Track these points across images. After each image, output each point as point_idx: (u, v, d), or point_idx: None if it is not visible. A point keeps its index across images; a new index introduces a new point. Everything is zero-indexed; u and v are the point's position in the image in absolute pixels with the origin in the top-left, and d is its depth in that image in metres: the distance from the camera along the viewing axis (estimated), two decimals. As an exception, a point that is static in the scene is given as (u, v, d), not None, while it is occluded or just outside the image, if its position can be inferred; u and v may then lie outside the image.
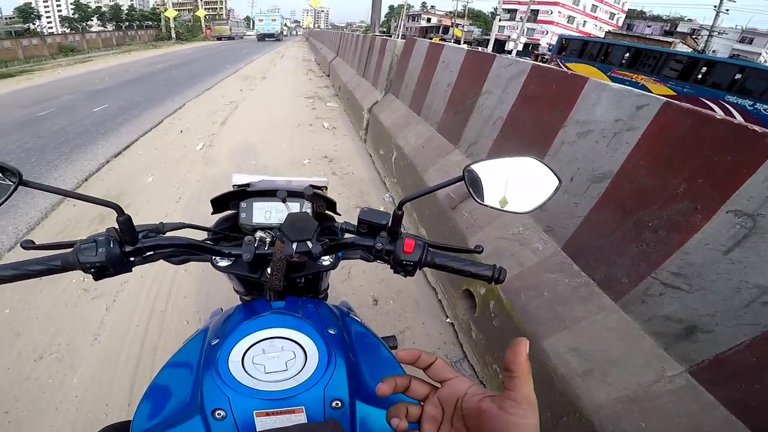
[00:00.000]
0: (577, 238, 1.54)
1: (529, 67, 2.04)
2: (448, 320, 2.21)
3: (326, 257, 0.82)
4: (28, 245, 0.59)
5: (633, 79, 14.31)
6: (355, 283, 2.50)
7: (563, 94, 1.74)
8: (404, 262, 0.69)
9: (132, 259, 0.63)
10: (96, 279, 0.62)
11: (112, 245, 0.59)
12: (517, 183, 0.61)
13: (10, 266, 0.56)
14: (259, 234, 0.77)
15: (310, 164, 4.40)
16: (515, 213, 0.62)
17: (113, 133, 5.73)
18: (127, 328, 2.14)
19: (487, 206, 0.62)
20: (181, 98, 8.06)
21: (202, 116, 6.58)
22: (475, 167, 0.62)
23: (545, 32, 21.88)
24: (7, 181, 0.48)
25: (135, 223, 0.63)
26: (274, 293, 0.79)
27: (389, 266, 0.74)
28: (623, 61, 15.27)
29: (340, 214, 0.91)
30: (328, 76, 10.23)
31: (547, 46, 21.33)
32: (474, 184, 0.62)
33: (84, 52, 21.98)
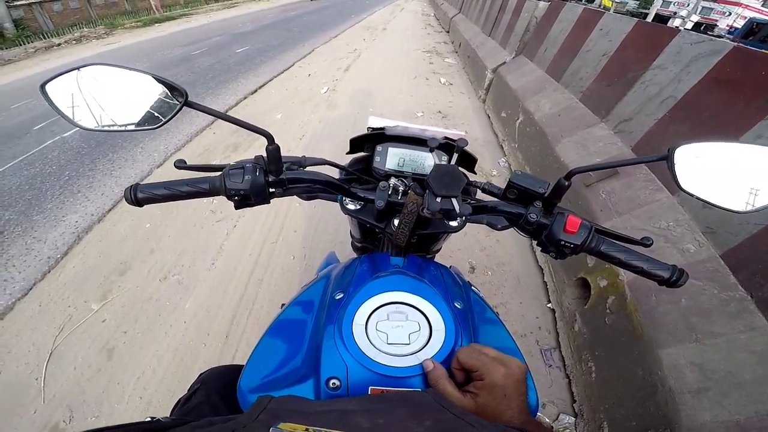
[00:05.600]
0: (747, 247, 1.33)
1: (728, 47, 1.76)
2: (549, 305, 2.03)
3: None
4: (181, 165, 0.61)
5: None
6: (453, 245, 2.37)
7: (778, 83, 1.49)
8: (562, 243, 0.60)
9: (272, 190, 0.62)
10: (237, 207, 0.61)
11: (258, 173, 0.59)
12: (739, 175, 0.51)
13: (163, 185, 0.58)
14: (393, 181, 0.72)
15: (423, 117, 4.31)
16: (726, 209, 0.52)
17: (251, 72, 6.31)
18: (240, 255, 2.33)
19: (689, 194, 0.52)
20: (311, 44, 8.47)
21: (328, 62, 6.86)
22: (685, 148, 0.52)
23: (727, 13, 17.17)
24: (175, 100, 0.50)
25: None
26: (393, 247, 0.75)
27: (535, 242, 0.65)
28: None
29: (476, 173, 0.83)
30: (448, 32, 9.88)
31: (728, 28, 17.01)
32: (678, 167, 0.52)
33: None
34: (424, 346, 0.52)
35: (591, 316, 1.66)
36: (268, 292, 2.07)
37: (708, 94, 1.77)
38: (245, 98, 5.10)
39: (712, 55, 1.79)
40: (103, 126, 0.49)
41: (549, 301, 2.05)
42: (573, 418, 1.56)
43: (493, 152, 3.58)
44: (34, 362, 1.74)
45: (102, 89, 0.48)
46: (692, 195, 0.52)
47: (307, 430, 0.33)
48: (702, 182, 0.52)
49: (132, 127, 0.50)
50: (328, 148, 3.56)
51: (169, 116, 0.51)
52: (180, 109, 0.50)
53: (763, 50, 1.64)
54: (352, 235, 1.01)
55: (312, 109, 4.54)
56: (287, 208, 2.70)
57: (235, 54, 7.61)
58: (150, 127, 0.51)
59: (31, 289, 2.13)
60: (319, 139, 3.78)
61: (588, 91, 2.70)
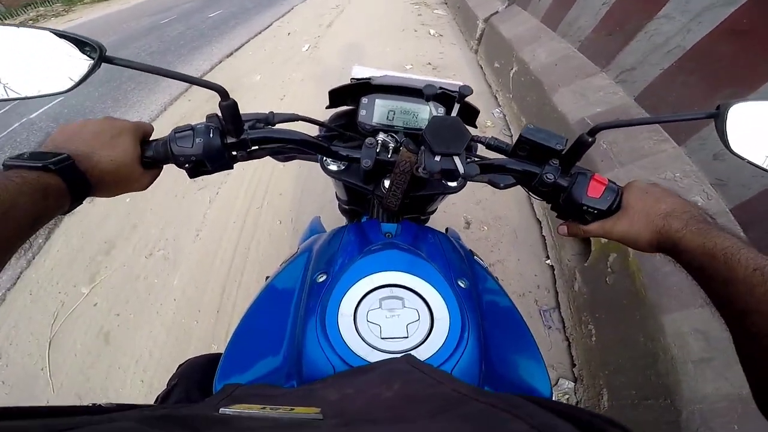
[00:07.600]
0: (761, 202, 1.26)
1: (745, -2, 1.64)
2: (548, 261, 1.96)
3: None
4: None
5: None
6: (447, 200, 2.28)
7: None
8: (585, 207, 0.51)
9: (234, 153, 0.53)
10: (191, 176, 0.53)
11: (212, 135, 0.49)
12: None
13: None
14: (381, 137, 0.60)
15: (413, 70, 4.09)
16: None
17: (226, 36, 5.96)
18: (225, 224, 2.24)
19: (739, 157, 0.45)
20: (290, 2, 7.99)
21: (309, 20, 6.48)
22: (739, 107, 0.44)
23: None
24: (88, 56, 0.42)
25: (241, 112, 0.52)
26: (384, 212, 0.67)
27: (550, 206, 0.57)
28: None
29: (476, 127, 0.73)
30: (436, -19, 9.30)
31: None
32: (729, 127, 0.44)
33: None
34: (425, 339, 0.44)
35: (591, 275, 1.59)
36: (257, 262, 2.00)
37: (721, 44, 1.66)
38: (220, 62, 4.84)
39: (727, 5, 1.65)
40: (2, 95, 0.41)
41: (548, 257, 1.97)
42: (572, 383, 1.52)
43: (487, 103, 3.42)
44: (37, 352, 1.73)
45: None
46: (743, 158, 0.45)
47: (263, 408, 0.31)
48: (752, 144, 0.45)
49: (39, 93, 0.42)
50: (312, 108, 3.39)
51: (83, 75, 0.42)
52: (95, 66, 0.41)
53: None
54: (338, 197, 0.92)
55: (293, 68, 4.30)
56: (271, 169, 2.58)
57: (208, 19, 7.22)
58: (61, 90, 0.42)
59: (18, 278, 2.08)
60: (303, 97, 3.59)
61: (587, 40, 2.57)
